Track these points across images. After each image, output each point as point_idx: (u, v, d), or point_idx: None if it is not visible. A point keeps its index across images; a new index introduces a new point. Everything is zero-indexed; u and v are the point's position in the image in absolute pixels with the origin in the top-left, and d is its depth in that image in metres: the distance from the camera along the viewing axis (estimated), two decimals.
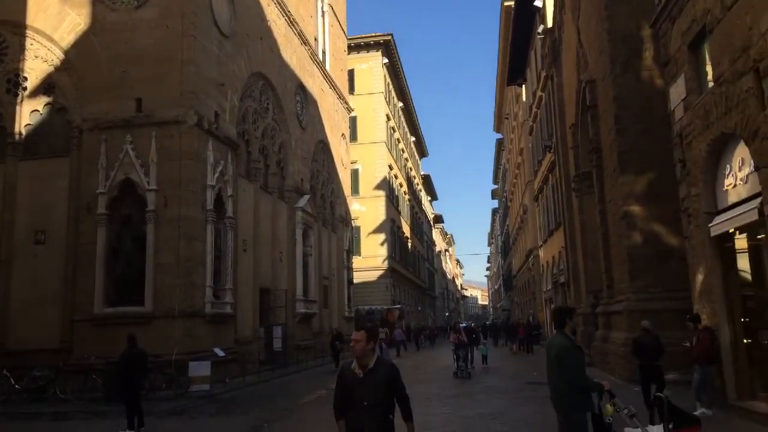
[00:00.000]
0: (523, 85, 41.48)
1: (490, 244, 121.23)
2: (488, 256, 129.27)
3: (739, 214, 9.47)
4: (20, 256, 18.35)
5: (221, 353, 17.41)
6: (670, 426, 5.24)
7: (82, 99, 18.67)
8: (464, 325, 24.34)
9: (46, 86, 19.24)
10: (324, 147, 33.63)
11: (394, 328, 36.99)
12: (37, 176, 18.76)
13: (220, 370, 17.34)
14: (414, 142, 68.04)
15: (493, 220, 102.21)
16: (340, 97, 37.09)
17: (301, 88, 29.25)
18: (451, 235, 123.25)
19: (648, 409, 10.73)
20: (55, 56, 19.17)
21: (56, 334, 17.49)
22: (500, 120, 63.11)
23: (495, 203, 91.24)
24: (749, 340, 10.32)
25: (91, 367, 15.71)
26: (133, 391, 10.83)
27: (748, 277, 10.52)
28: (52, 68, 19.20)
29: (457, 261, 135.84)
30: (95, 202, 17.58)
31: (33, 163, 18.93)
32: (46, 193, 18.61)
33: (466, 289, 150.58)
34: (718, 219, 10.40)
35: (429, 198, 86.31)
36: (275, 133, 25.81)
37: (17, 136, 18.98)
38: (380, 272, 45.98)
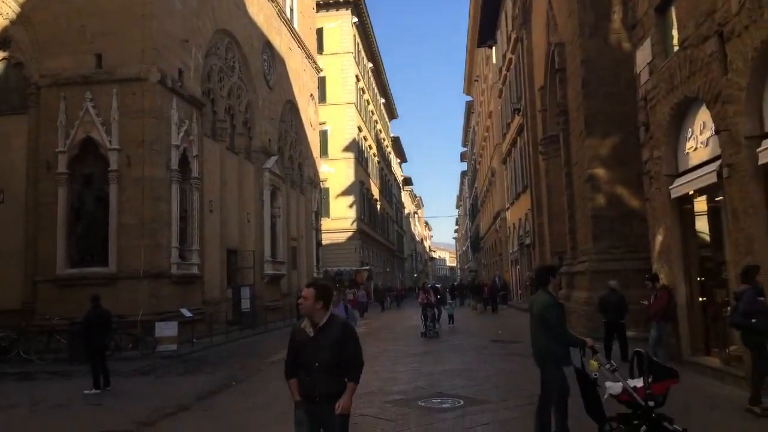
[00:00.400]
0: (494, 48, 41.29)
1: (458, 207, 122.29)
2: (456, 219, 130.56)
3: (699, 177, 9.71)
4: None
5: (188, 314, 17.37)
6: (650, 379, 5.50)
7: (39, 54, 17.93)
8: (431, 285, 24.13)
9: (1, 40, 18.41)
10: (292, 107, 33.12)
11: (359, 290, 36.87)
12: None
13: (188, 331, 17.31)
14: (383, 103, 67.51)
15: (462, 183, 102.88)
16: (309, 56, 36.38)
17: (268, 47, 28.58)
18: (420, 198, 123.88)
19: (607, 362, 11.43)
20: (10, 9, 18.29)
21: (18, 295, 17.18)
22: (470, 82, 62.91)
23: (464, 166, 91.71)
24: (704, 299, 10.72)
25: (55, 327, 15.55)
26: (98, 351, 10.79)
27: (706, 238, 10.85)
28: (7, 22, 18.36)
29: (426, 223, 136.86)
30: (55, 161, 17.11)
31: None
32: (4, 151, 18.01)
33: (434, 251, 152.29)
34: (678, 181, 10.65)
35: (398, 160, 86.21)
36: (241, 92, 25.29)
37: None
38: (349, 234, 46.07)
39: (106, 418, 8.51)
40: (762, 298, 6.93)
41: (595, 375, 5.65)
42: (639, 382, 5.58)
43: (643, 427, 5.47)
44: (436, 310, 19.30)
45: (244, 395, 10.05)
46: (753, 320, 6.81)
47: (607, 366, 5.68)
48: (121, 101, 17.23)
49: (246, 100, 25.70)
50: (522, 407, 8.02)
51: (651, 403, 5.45)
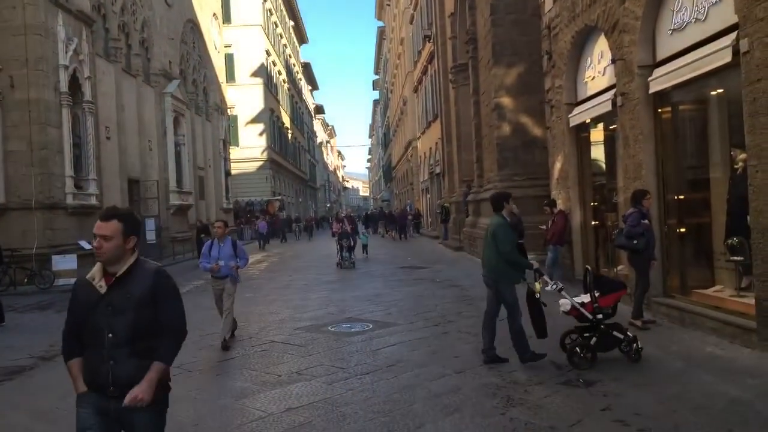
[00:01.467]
0: None
1: (371, 136, 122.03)
2: (369, 148, 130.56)
3: (595, 105, 10.14)
4: None
5: (87, 246, 16.57)
6: (597, 294, 6.04)
7: None
8: (346, 215, 23.79)
9: None
10: (194, 27, 31.19)
11: (259, 220, 34.77)
12: None
13: (89, 264, 16.56)
14: (293, 26, 64.94)
15: (375, 112, 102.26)
16: None
17: None
18: (333, 127, 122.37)
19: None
20: None
21: None
22: (382, 7, 61.45)
23: (377, 94, 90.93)
24: (596, 223, 11.45)
25: None
26: None
27: (601, 165, 11.47)
28: None
29: (339, 152, 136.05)
30: None
31: None
32: None
33: (347, 181, 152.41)
34: (576, 110, 11.09)
35: (309, 87, 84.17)
36: (136, 8, 23.42)
37: None
38: (260, 163, 45.07)
39: (2, 353, 8.12)
40: (645, 221, 7.45)
41: (538, 295, 6.11)
42: (587, 298, 6.10)
43: (594, 338, 5.97)
44: (351, 240, 18.60)
45: None
46: (635, 242, 7.35)
47: (554, 286, 6.12)
48: (0, 15, 15.57)
49: (142, 17, 23.86)
50: (427, 328, 8.42)
51: (600, 316, 6.02)
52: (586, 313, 6.04)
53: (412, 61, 39.41)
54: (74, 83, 17.37)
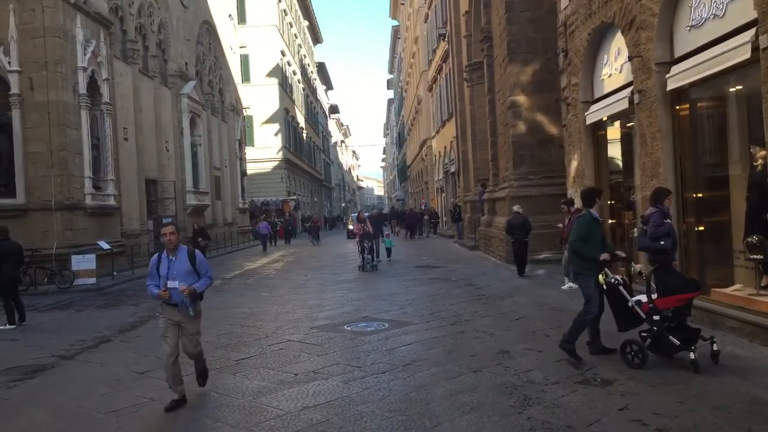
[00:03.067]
0: None
1: (385, 135, 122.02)
2: (384, 147, 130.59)
3: (612, 103, 10.05)
4: None
5: (106, 246, 16.80)
6: (654, 295, 5.91)
7: None
8: (368, 214, 21.94)
9: None
10: (210, 29, 31.43)
11: (260, 221, 32.65)
12: None
13: (108, 264, 16.79)
14: (307, 26, 65.12)
15: (389, 111, 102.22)
16: None
17: None
18: (347, 126, 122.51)
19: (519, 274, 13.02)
20: None
21: None
22: (396, 6, 61.40)
23: (391, 93, 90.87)
24: (614, 221, 11.36)
25: None
26: (8, 285, 10.31)
27: (618, 163, 11.38)
28: None
29: (353, 152, 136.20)
30: None
31: None
32: None
33: (362, 180, 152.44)
34: (593, 108, 11.00)
35: (324, 87, 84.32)
36: (153, 10, 23.67)
37: None
38: (275, 163, 45.28)
39: (24, 352, 8.24)
40: (668, 221, 7.28)
41: (605, 287, 6.10)
42: (645, 297, 5.96)
43: (648, 340, 5.86)
44: (375, 240, 17.27)
45: None
46: (661, 243, 7.12)
47: (613, 280, 6.03)
48: (19, 18, 15.87)
49: (158, 19, 24.10)
50: (443, 327, 8.41)
51: (656, 318, 5.80)
52: (641, 313, 5.89)
53: (427, 60, 39.33)
54: (92, 85, 17.59)
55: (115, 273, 17.00)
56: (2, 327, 10.12)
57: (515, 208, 13.71)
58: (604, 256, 6.17)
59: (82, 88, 16.97)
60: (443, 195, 37.14)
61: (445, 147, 33.55)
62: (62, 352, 8.13)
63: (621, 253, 6.45)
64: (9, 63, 15.74)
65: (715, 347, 5.72)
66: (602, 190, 6.78)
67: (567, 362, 6.18)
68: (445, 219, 34.94)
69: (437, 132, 37.41)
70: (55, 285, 14.97)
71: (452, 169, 30.77)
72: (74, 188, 16.42)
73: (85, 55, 17.06)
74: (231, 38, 35.76)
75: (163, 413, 5.34)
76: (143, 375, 6.71)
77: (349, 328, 8.67)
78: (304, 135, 58.20)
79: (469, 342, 7.47)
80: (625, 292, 6.03)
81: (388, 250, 19.61)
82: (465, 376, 6.00)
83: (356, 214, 30.12)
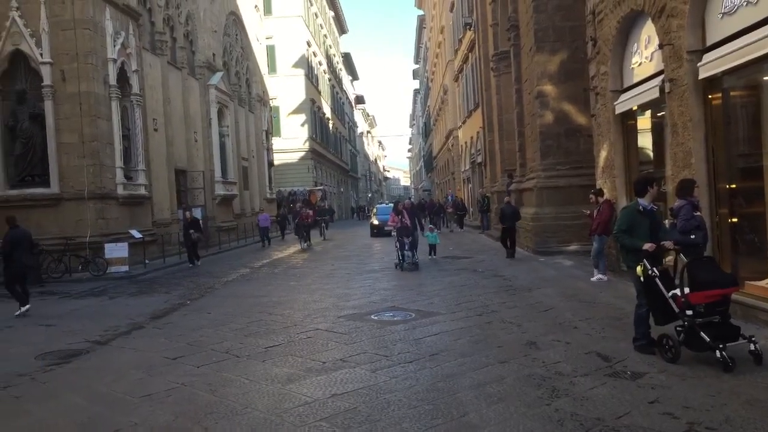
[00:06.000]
0: None
1: (411, 126, 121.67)
2: (410, 138, 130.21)
3: (642, 92, 9.88)
4: None
5: (137, 235, 17.13)
6: (686, 290, 5.75)
7: None
8: (414, 200, 18.59)
9: None
10: (236, 20, 31.62)
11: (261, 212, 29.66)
12: None
13: (139, 252, 17.14)
14: (333, 17, 65.09)
15: (415, 101, 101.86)
16: None
17: None
18: (373, 117, 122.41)
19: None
20: None
21: None
22: None
23: (417, 84, 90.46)
24: None
25: None
26: (22, 270, 10.58)
27: (648, 153, 11.20)
28: None
29: (380, 142, 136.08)
30: None
31: None
32: None
33: (388, 171, 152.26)
34: (623, 97, 10.82)
35: (350, 78, 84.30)
36: (180, 2, 23.90)
37: None
38: (301, 153, 45.53)
39: (59, 337, 8.48)
40: (698, 213, 7.15)
41: (643, 278, 6.00)
42: (679, 291, 5.84)
43: (682, 335, 5.79)
44: (414, 235, 15.16)
45: (199, 312, 10.15)
46: (692, 236, 7.01)
47: (651, 272, 5.96)
48: (50, 10, 16.17)
49: (186, 10, 24.34)
50: (470, 318, 8.42)
51: (689, 312, 5.68)
52: (674, 307, 5.81)
53: (453, 50, 39.05)
54: (122, 76, 17.87)
55: (146, 261, 17.33)
56: (20, 310, 10.36)
57: (506, 198, 17.14)
58: (647, 246, 5.98)
59: (113, 79, 17.24)
60: (470, 186, 36.95)
61: (472, 137, 33.34)
62: (96, 337, 8.34)
63: (668, 244, 6.22)
64: (41, 55, 16.06)
65: (754, 347, 5.52)
66: (656, 178, 6.54)
67: (596, 354, 6.14)
68: (471, 210, 34.71)
69: (463, 122, 37.18)
70: (89, 272, 15.35)
71: (479, 159, 30.57)
72: (106, 178, 16.74)
73: (114, 46, 17.32)
74: (257, 29, 35.93)
75: (195, 398, 5.45)
76: (175, 361, 6.86)
77: (376, 318, 8.73)
78: (331, 125, 58.34)
79: (496, 333, 7.46)
80: (661, 286, 5.92)
81: (432, 247, 17.11)
82: (492, 366, 6.01)
83: (382, 205, 29.68)
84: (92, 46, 16.52)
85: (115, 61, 17.35)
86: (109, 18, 17.17)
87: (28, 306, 10.47)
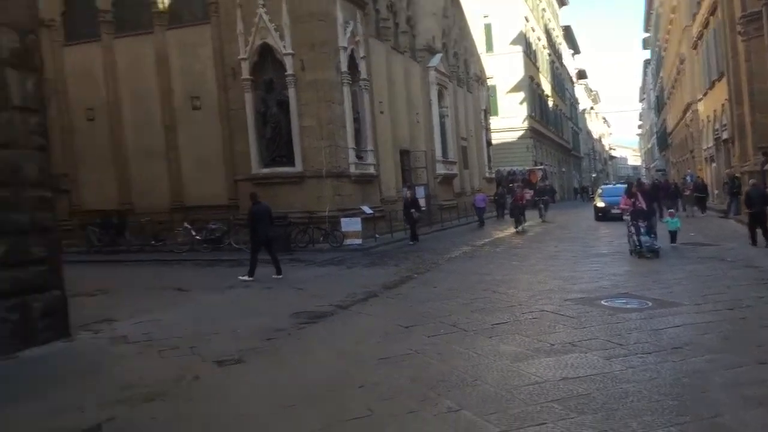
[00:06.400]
0: None
1: (641, 100, 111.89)
2: (640, 113, 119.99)
3: None
4: (182, 122, 19.91)
5: (369, 211, 18.39)
6: None
7: None
8: (652, 180, 16.17)
9: None
10: (453, 1, 31.89)
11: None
12: (184, 44, 19.68)
13: (370, 227, 18.37)
14: None
15: (645, 74, 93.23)
16: None
17: None
18: (597, 92, 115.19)
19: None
20: None
21: (224, 192, 19.26)
22: None
23: (647, 54, 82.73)
24: None
25: None
26: (264, 240, 11.92)
27: None
28: None
29: (604, 119, 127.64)
30: (239, 68, 18.32)
31: (178, 31, 19.77)
32: (194, 61, 19.59)
33: (614, 149, 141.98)
34: None
35: (571, 52, 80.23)
36: None
37: (160, 5, 19.70)
38: (520, 132, 44.75)
39: (307, 300, 9.59)
40: None
41: None
42: None
43: None
44: (652, 219, 13.67)
45: (426, 285, 10.64)
46: None
47: None
48: (289, 5, 17.74)
49: None
50: (718, 312, 7.54)
51: None
52: None
53: (690, 14, 34.90)
54: (351, 63, 19.13)
55: (376, 235, 18.57)
56: (243, 277, 11.70)
57: (751, 180, 15.19)
58: None
59: (344, 66, 18.52)
60: (713, 165, 32.96)
61: (715, 111, 29.64)
62: (338, 302, 9.20)
63: None
64: (284, 47, 17.81)
65: None
66: None
67: None
68: (716, 192, 30.92)
69: (704, 94, 33.17)
70: (328, 243, 16.95)
71: (724, 135, 27.07)
72: (340, 158, 18.20)
73: (345, 35, 18.56)
74: (474, 8, 35.88)
75: (427, 366, 5.72)
76: (407, 329, 7.27)
77: (606, 304, 8.26)
78: (550, 103, 56.34)
79: (754, 330, 6.60)
80: None
81: (672, 234, 15.01)
82: (749, 367, 5.33)
83: (608, 186, 27.43)
84: (326, 37, 17.91)
85: (345, 49, 18.61)
86: (339, 9, 18.43)
87: (252, 279, 11.69)
